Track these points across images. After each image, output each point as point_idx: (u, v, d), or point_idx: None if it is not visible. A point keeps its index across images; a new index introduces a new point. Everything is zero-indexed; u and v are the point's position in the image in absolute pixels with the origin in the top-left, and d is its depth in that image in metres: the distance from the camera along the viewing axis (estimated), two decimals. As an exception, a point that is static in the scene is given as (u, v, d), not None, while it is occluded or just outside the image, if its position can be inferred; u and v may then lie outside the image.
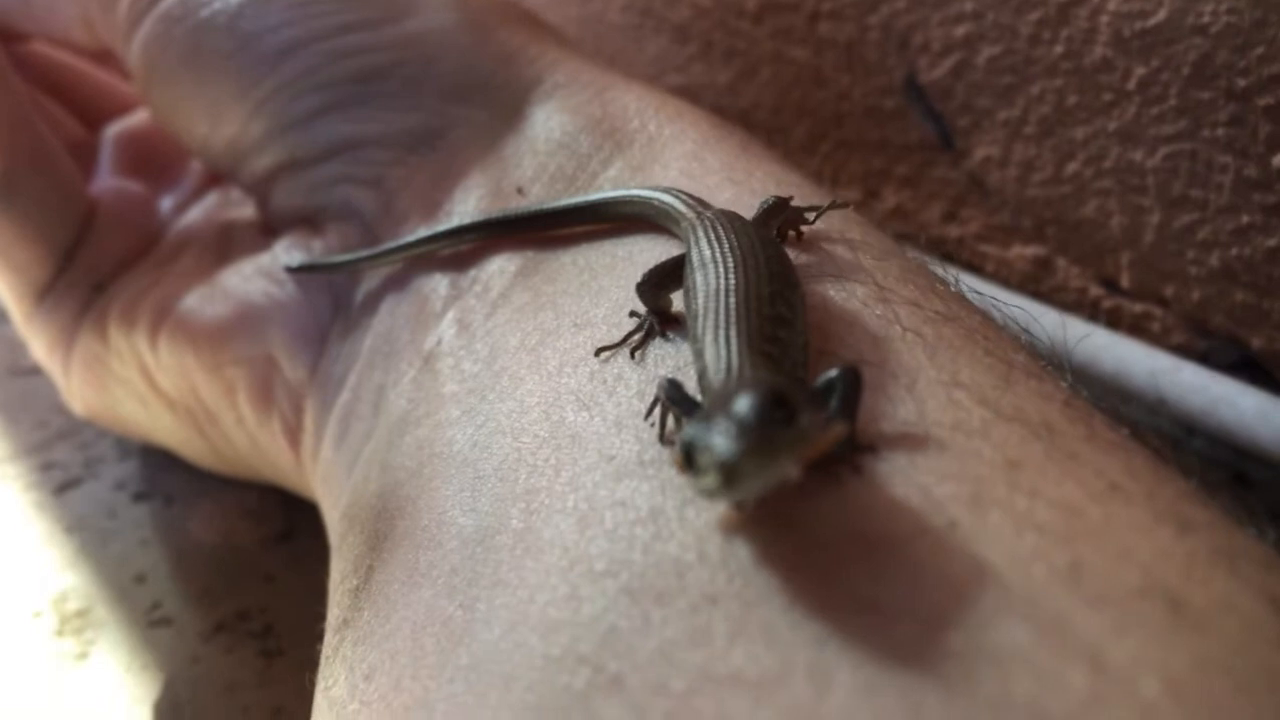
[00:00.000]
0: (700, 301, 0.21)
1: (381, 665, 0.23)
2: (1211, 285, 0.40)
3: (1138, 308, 0.43)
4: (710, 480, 0.17)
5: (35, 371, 0.49)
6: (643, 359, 0.24)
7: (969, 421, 0.20)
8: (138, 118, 0.44)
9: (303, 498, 0.39)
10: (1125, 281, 0.43)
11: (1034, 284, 0.46)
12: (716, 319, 0.20)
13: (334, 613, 0.27)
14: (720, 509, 0.19)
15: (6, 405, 0.48)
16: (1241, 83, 0.36)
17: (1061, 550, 0.17)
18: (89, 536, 0.42)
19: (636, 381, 0.24)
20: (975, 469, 0.19)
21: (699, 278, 0.22)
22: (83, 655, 0.37)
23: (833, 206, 0.27)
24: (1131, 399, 0.41)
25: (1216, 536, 0.18)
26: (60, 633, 0.38)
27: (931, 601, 0.16)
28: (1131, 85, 0.39)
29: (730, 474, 0.17)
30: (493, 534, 0.23)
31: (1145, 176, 0.40)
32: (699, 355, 0.20)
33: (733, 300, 0.21)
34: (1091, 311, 0.44)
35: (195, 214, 0.41)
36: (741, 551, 0.18)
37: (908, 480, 0.18)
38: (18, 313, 0.41)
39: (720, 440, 0.17)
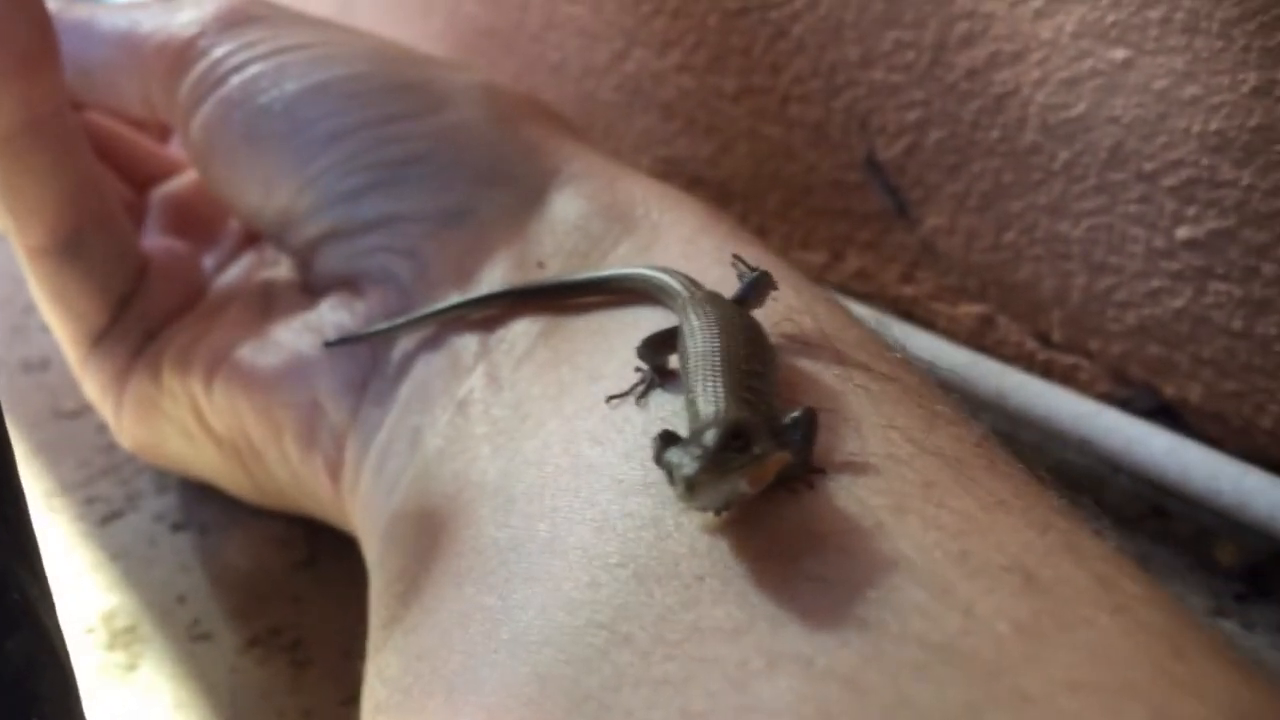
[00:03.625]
0: (691, 362, 0.26)
1: (432, 647, 0.27)
2: (1129, 340, 0.44)
3: (1068, 359, 0.47)
4: (680, 491, 0.22)
5: (75, 415, 0.52)
6: (646, 405, 0.28)
7: (899, 454, 0.25)
8: (180, 182, 0.48)
9: (325, 527, 0.43)
10: (1056, 336, 0.47)
11: (979, 338, 0.49)
12: (704, 375, 0.25)
13: (379, 615, 0.31)
14: (707, 517, 0.24)
15: (50, 446, 0.51)
16: (1149, 166, 0.41)
17: (955, 542, 0.22)
18: (132, 563, 0.45)
19: (641, 422, 0.28)
20: (900, 486, 0.23)
21: (689, 344, 0.27)
22: (132, 666, 0.40)
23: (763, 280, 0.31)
24: (1061, 439, 0.45)
25: (1069, 536, 0.23)
26: (111, 647, 0.41)
27: (859, 575, 0.21)
28: (1057, 166, 0.43)
29: (690, 486, 0.22)
30: (523, 543, 0.27)
31: (1071, 245, 0.44)
32: (692, 403, 0.25)
33: (716, 360, 0.25)
34: (1028, 363, 0.48)
35: (235, 271, 0.45)
36: (722, 545, 0.23)
37: (849, 494, 0.23)
38: (73, 356, 0.44)
39: (685, 461, 0.22)
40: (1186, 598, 0.42)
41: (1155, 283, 0.42)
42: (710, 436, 0.22)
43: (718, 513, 0.24)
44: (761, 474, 0.23)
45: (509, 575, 0.27)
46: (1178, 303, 0.42)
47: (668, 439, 0.24)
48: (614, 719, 0.21)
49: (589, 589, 0.24)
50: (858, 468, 0.24)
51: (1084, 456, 0.45)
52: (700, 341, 0.27)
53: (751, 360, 0.26)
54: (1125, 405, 0.45)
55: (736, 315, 0.28)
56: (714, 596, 0.22)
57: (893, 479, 0.24)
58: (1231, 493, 0.40)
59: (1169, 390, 0.44)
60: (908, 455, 0.25)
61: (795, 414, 0.24)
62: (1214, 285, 0.41)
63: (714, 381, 0.25)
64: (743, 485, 0.22)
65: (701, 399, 0.25)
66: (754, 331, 0.28)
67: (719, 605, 0.22)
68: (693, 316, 0.28)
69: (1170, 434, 0.43)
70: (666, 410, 0.28)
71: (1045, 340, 0.47)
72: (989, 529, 0.22)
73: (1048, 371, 0.47)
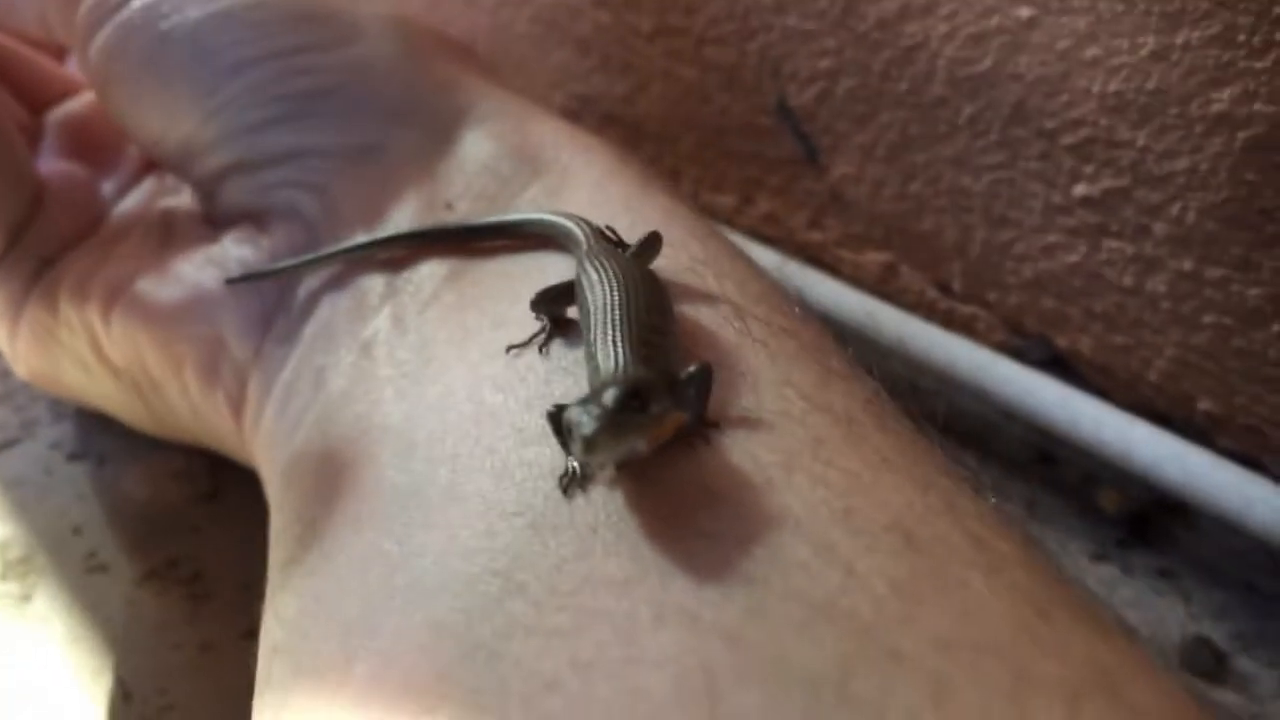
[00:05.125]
0: (592, 316, 0.27)
1: (329, 590, 0.27)
2: (1025, 293, 0.45)
3: (967, 309, 0.48)
4: (577, 449, 0.23)
5: (-33, 341, 0.51)
6: (548, 354, 0.29)
7: (792, 411, 0.25)
8: (78, 103, 0.46)
9: (228, 461, 0.42)
10: (957, 286, 0.48)
11: (883, 286, 0.50)
12: (605, 329, 0.26)
13: (277, 555, 0.31)
14: (606, 470, 0.24)
15: (-59, 372, 0.49)
16: (1050, 124, 0.41)
17: (840, 500, 0.22)
18: (27, 492, 0.44)
19: (543, 371, 0.28)
20: (790, 444, 0.24)
21: (589, 297, 0.27)
22: (26, 597, 0.40)
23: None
24: (958, 386, 0.46)
25: (948, 495, 0.23)
26: (4, 577, 0.40)
27: (748, 531, 0.22)
28: (962, 120, 0.44)
29: (588, 445, 0.22)
30: (423, 489, 0.27)
31: (972, 198, 0.45)
32: (591, 357, 0.26)
33: (617, 314, 0.26)
34: (929, 311, 0.49)
35: (135, 198, 0.44)
36: (617, 497, 0.24)
37: (743, 450, 0.24)
38: None
39: (585, 421, 0.22)
40: (1070, 542, 0.44)
41: (1052, 238, 0.43)
42: (610, 397, 0.23)
43: (616, 468, 0.24)
44: (658, 433, 0.23)
45: (408, 521, 0.27)
46: (1073, 258, 0.43)
47: (560, 412, 0.25)
48: (504, 668, 0.22)
49: (486, 537, 0.25)
50: (752, 424, 0.25)
51: (979, 403, 0.47)
52: (600, 295, 0.27)
53: (651, 313, 0.26)
54: (1020, 355, 0.46)
55: (635, 269, 0.28)
56: (606, 548, 0.23)
57: (784, 436, 0.24)
58: (1117, 442, 0.42)
59: (1062, 342, 0.45)
60: (800, 412, 0.25)
61: (692, 370, 0.25)
62: (1108, 242, 0.42)
63: (614, 337, 0.25)
64: (640, 444, 0.23)
65: (601, 354, 0.25)
66: (653, 285, 0.28)
67: (611, 557, 0.22)
68: (592, 270, 0.28)
69: (1061, 384, 0.44)
70: (569, 360, 0.28)
71: (946, 290, 0.48)
72: (873, 487, 0.23)
73: (948, 320, 0.49)
